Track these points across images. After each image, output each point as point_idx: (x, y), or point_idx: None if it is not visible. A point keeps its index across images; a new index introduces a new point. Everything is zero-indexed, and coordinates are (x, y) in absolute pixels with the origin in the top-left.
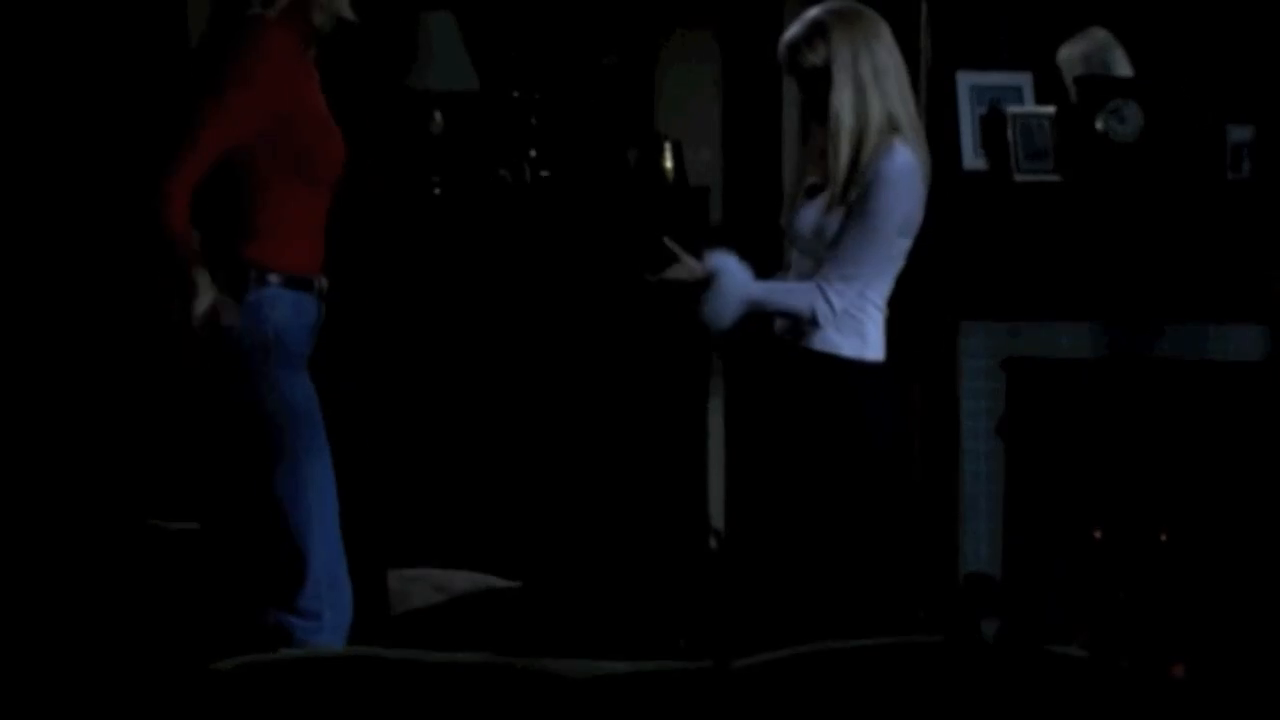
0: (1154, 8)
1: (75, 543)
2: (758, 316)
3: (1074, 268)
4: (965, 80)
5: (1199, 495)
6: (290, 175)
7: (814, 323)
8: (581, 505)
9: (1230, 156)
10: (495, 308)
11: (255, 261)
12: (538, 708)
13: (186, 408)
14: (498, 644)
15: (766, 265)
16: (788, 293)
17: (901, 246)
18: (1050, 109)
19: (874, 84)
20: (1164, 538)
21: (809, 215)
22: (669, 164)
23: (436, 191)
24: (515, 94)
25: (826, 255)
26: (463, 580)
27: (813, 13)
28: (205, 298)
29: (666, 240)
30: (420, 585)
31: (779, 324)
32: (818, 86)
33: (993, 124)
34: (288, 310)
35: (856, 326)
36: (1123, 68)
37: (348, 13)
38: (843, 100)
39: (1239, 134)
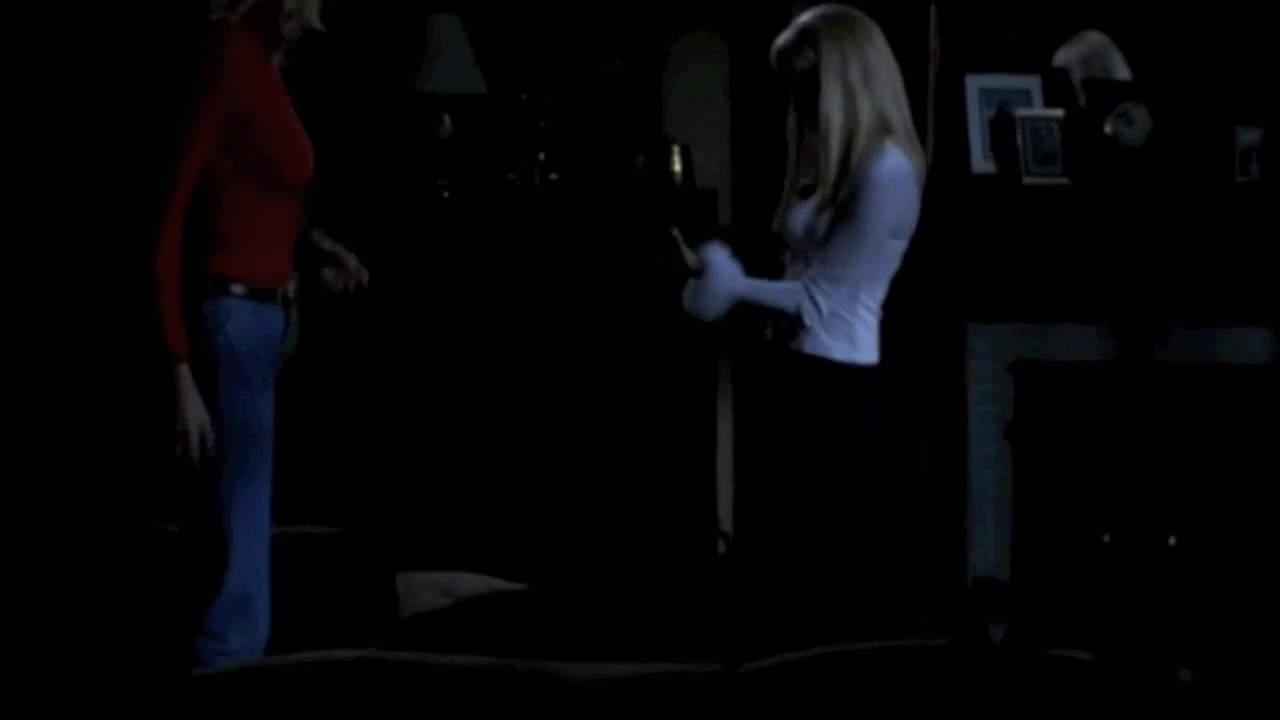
0: (1162, 10)
1: (80, 546)
2: (749, 317)
3: (1082, 271)
4: (974, 83)
5: (1207, 499)
6: (253, 182)
7: (800, 323)
8: (589, 508)
9: (1239, 160)
10: (504, 311)
11: (216, 272)
12: (544, 710)
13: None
14: (504, 647)
15: (775, 268)
16: (774, 291)
17: (894, 249)
18: (1059, 112)
19: (863, 86)
20: (1172, 541)
21: (800, 216)
22: (677, 167)
23: (445, 195)
24: (523, 97)
25: (816, 256)
26: (469, 583)
27: (803, 18)
28: (194, 408)
29: (674, 231)
30: (427, 588)
31: (770, 328)
32: (808, 91)
33: (1001, 127)
34: (246, 322)
35: (847, 329)
36: (1121, 70)
37: (317, 23)
38: (831, 103)
39: (1248, 137)
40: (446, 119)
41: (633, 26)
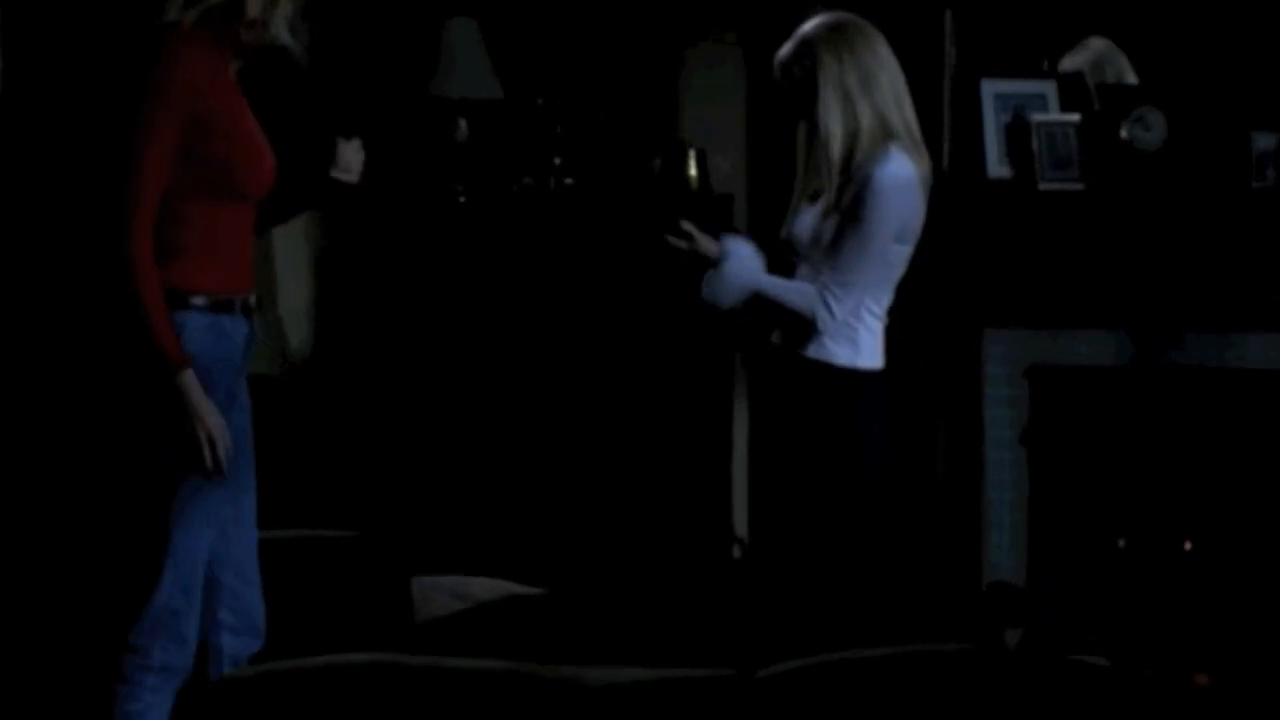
0: (1178, 15)
1: (98, 548)
2: (758, 320)
3: (1098, 276)
4: (989, 88)
5: (1222, 504)
6: (209, 191)
7: (814, 327)
8: (605, 513)
9: (1254, 164)
10: (520, 315)
11: (174, 283)
12: (560, 715)
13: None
14: (520, 651)
15: (788, 273)
16: (792, 290)
17: (900, 254)
18: (1075, 117)
19: (861, 92)
20: (1188, 546)
21: (806, 222)
22: (693, 171)
23: (461, 199)
24: (539, 102)
25: (825, 263)
26: (485, 587)
27: (802, 28)
28: (209, 413)
29: (684, 224)
30: (442, 592)
31: (776, 333)
32: (808, 99)
33: (1017, 132)
34: (204, 336)
35: (850, 335)
36: (1130, 76)
37: (286, 39)
38: (829, 110)
39: (1263, 142)
40: (463, 123)
41: (649, 31)
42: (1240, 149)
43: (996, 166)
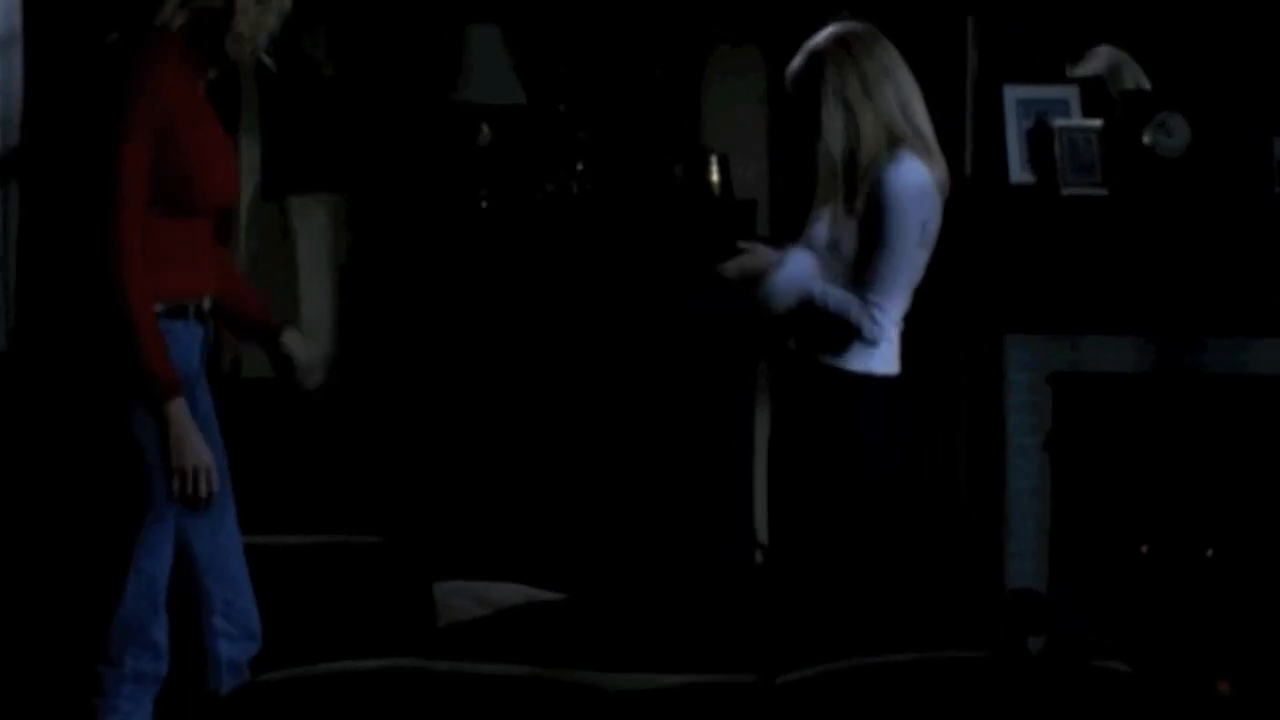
0: (1199, 20)
1: (66, 563)
2: (778, 326)
3: (1121, 282)
4: (1012, 93)
5: (1245, 511)
6: (163, 201)
7: (861, 337)
8: (626, 518)
9: (1277, 170)
10: (542, 321)
11: None
12: None
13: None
14: (542, 657)
15: None
16: (843, 300)
17: (920, 260)
18: (1097, 122)
19: (863, 99)
20: (1210, 553)
21: (821, 230)
22: (715, 177)
23: (483, 205)
24: (562, 107)
25: (848, 274)
26: (507, 592)
27: (809, 41)
28: (196, 445)
29: (740, 243)
30: (465, 597)
31: (793, 339)
32: (815, 110)
33: (1039, 137)
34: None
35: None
36: (1143, 82)
37: (264, 56)
38: (832, 118)
39: None
40: (485, 129)
41: (671, 37)
42: (1262, 155)
43: (1019, 172)
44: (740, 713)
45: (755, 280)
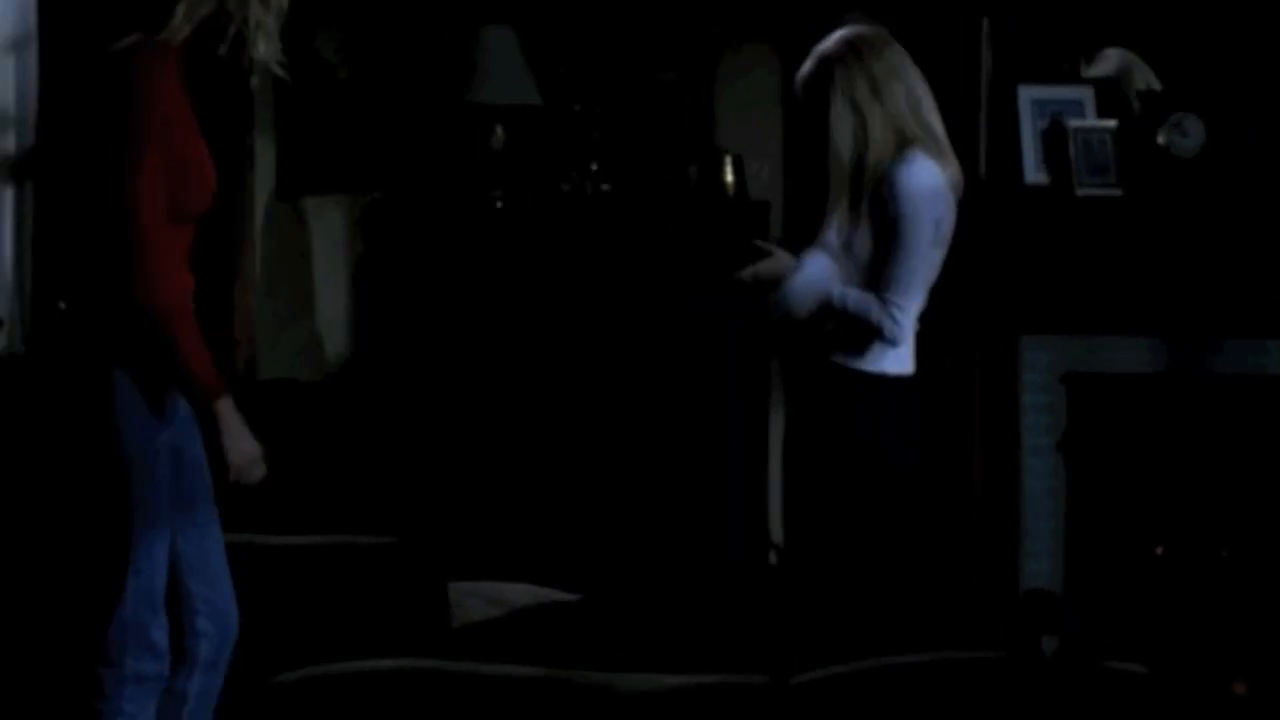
0: (1214, 21)
1: (62, 569)
2: (793, 327)
3: (1135, 282)
4: (1026, 94)
5: (1261, 511)
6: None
7: (883, 338)
8: (641, 519)
9: None
10: (557, 321)
11: (117, 297)
12: None
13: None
14: (556, 657)
15: None
16: (863, 301)
17: (935, 259)
18: (1112, 123)
19: (871, 101)
20: (1226, 554)
21: (834, 232)
22: (730, 178)
23: (498, 205)
24: (576, 108)
25: (875, 282)
26: (521, 593)
27: (818, 46)
28: (246, 439)
29: (756, 242)
30: (479, 598)
31: (808, 339)
32: (824, 113)
33: (1054, 138)
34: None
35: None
36: (1154, 83)
37: (261, 54)
38: (840, 119)
39: None
40: (500, 130)
41: (685, 38)
42: (1277, 155)
43: (1033, 172)
44: (754, 713)
45: (773, 285)
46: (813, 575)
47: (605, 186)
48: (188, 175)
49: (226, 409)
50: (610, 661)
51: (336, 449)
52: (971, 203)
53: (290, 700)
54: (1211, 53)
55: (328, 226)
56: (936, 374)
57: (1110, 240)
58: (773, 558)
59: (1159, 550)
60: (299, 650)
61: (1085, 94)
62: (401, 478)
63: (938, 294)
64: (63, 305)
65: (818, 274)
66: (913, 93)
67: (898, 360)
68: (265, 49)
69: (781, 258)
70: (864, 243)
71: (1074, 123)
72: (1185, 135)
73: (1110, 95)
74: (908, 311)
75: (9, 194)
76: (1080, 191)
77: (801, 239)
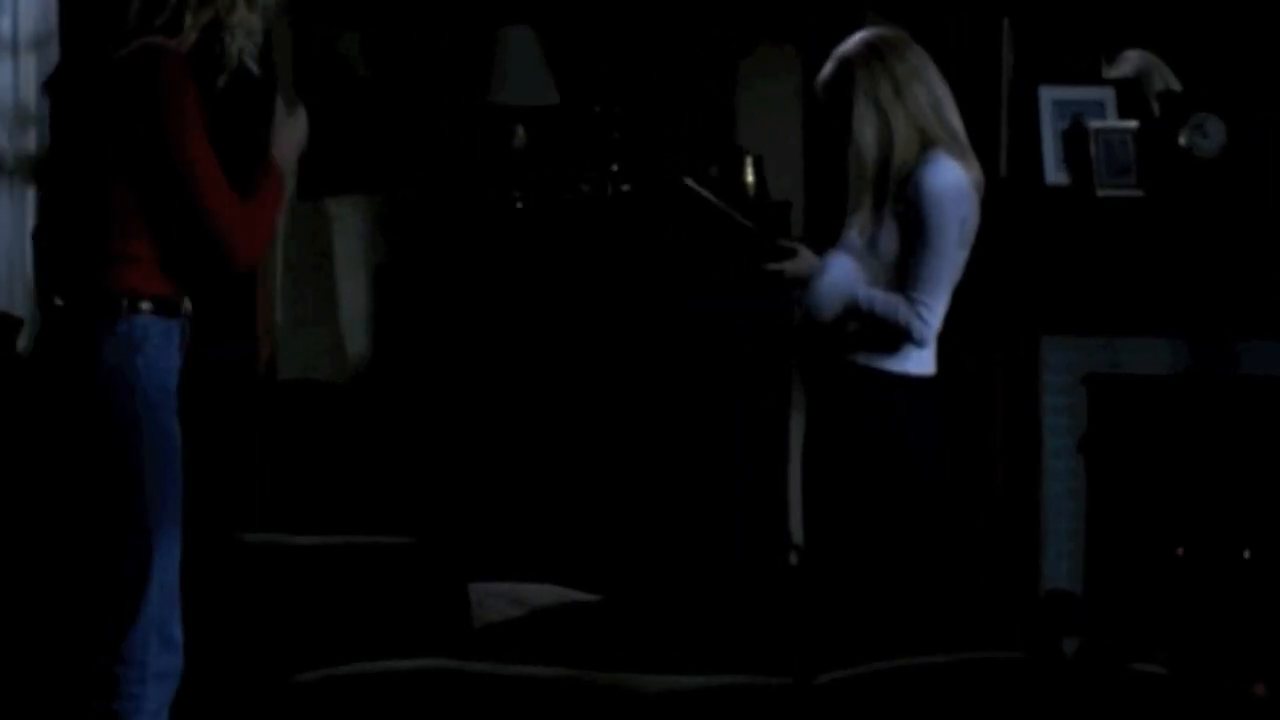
0: (1236, 22)
1: (72, 570)
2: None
3: (1156, 283)
4: (1047, 94)
5: None
6: (161, 207)
7: (910, 339)
8: (662, 519)
9: None
10: (577, 321)
11: (128, 289)
12: None
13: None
14: (577, 658)
15: None
16: (890, 302)
17: (960, 259)
18: (1133, 124)
19: (895, 102)
20: (1247, 555)
21: (857, 234)
22: (750, 178)
23: (518, 206)
24: (596, 108)
25: (901, 282)
26: (542, 594)
27: (839, 48)
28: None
29: (781, 241)
30: (499, 598)
31: (830, 340)
32: (846, 115)
33: (1075, 139)
34: (157, 340)
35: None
36: (1175, 84)
37: (247, 58)
38: (863, 120)
39: None
40: (520, 130)
41: (706, 38)
42: None
43: (1054, 173)
44: (776, 714)
45: (799, 284)
46: (834, 575)
47: (625, 187)
48: None
49: (283, 169)
50: (632, 662)
51: (357, 449)
52: (992, 203)
53: (310, 700)
54: (1232, 54)
55: (348, 227)
56: (957, 375)
57: (1131, 241)
58: (794, 558)
59: (1180, 551)
60: (319, 650)
61: (1106, 95)
62: (422, 478)
63: (959, 295)
64: (59, 302)
65: (842, 275)
66: (934, 93)
67: (920, 361)
68: (241, 42)
69: (806, 257)
70: (889, 243)
71: (1095, 123)
72: (1206, 136)
73: (1131, 96)
74: (935, 311)
75: (31, 193)
76: (1101, 192)
77: (823, 239)
